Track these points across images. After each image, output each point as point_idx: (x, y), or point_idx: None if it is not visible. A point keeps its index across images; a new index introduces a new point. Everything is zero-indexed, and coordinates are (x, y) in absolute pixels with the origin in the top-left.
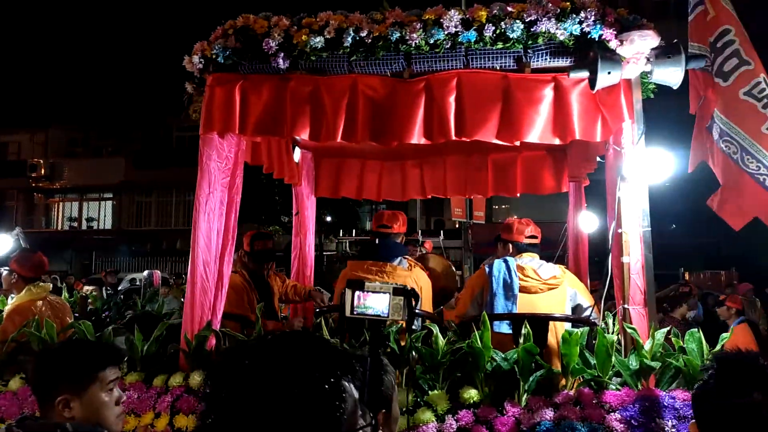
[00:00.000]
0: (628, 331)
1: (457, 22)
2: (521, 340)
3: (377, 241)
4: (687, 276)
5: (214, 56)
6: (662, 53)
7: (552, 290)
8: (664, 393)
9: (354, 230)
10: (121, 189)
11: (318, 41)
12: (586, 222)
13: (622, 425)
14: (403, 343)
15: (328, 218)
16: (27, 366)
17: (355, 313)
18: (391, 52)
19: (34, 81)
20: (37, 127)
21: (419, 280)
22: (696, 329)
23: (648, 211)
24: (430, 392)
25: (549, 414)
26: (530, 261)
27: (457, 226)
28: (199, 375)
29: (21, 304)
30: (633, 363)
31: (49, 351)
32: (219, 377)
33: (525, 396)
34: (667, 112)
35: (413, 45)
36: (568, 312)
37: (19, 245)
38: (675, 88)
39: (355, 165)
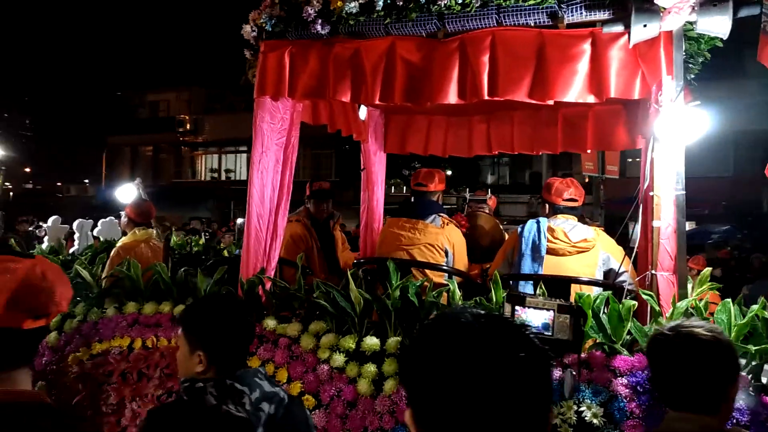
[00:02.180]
0: (644, 297)
1: None
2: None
3: (413, 199)
4: None
5: (262, 24)
6: (708, 1)
7: (582, 253)
8: None
9: (476, 184)
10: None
11: (353, 6)
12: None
13: (627, 390)
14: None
15: (449, 172)
16: (126, 295)
17: None
18: (424, 14)
19: (178, 45)
20: (183, 86)
21: (451, 237)
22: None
23: (683, 174)
24: None
25: (556, 374)
26: (563, 222)
27: (587, 180)
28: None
29: (126, 244)
30: (648, 330)
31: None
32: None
33: None
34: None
35: (443, 5)
36: (599, 276)
37: (139, 194)
38: (724, 38)
39: (422, 121)
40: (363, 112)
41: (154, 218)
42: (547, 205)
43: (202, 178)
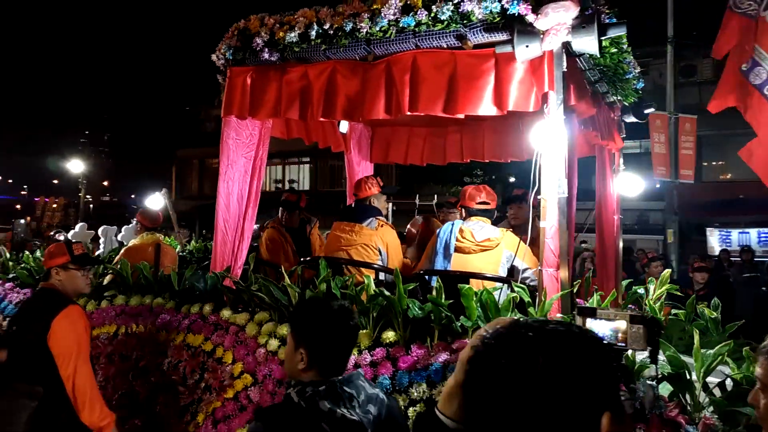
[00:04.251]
0: (516, 290)
1: (396, 10)
2: (434, 294)
3: (353, 204)
4: None
5: (224, 53)
6: (578, 24)
7: (485, 251)
8: None
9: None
10: (317, 153)
11: (293, 36)
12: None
13: None
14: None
15: (512, 179)
16: (119, 289)
17: None
18: (354, 40)
19: None
20: None
21: (384, 238)
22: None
23: (565, 178)
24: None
25: (443, 357)
26: (474, 224)
27: (658, 186)
28: (209, 306)
29: (133, 246)
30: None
31: None
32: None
33: (435, 341)
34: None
35: (364, 33)
36: (502, 272)
37: (165, 203)
38: (597, 55)
39: (403, 132)
40: (344, 126)
41: (160, 224)
42: (463, 209)
43: (267, 189)
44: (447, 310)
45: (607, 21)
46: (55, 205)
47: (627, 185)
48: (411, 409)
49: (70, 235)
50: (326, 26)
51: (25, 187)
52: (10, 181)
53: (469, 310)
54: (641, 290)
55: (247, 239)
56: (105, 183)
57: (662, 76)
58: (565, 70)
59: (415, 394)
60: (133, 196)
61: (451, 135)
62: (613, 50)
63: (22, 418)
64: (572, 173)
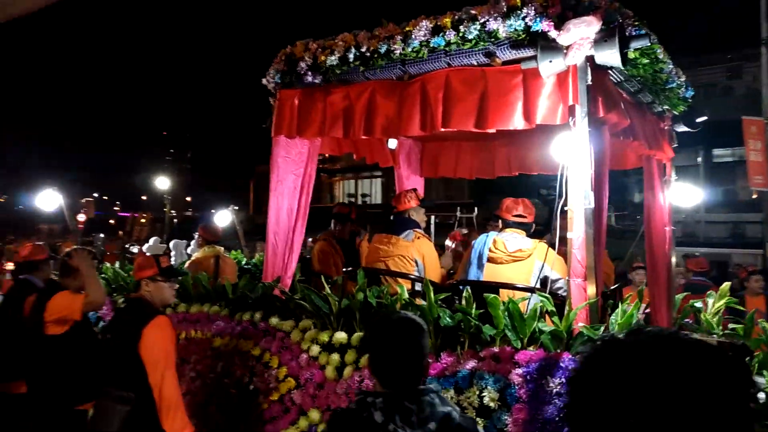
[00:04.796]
0: (541, 299)
1: (427, 31)
2: (463, 303)
3: (392, 217)
4: None
5: (273, 77)
6: (600, 38)
7: (517, 262)
8: (570, 356)
9: (624, 202)
10: (389, 168)
11: (333, 59)
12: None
13: (520, 379)
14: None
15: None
16: (181, 298)
17: None
18: (390, 61)
19: None
20: None
21: (421, 249)
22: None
23: (590, 190)
24: None
25: (471, 364)
26: (508, 235)
27: (755, 196)
28: (259, 314)
29: (195, 258)
30: (545, 329)
31: None
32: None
33: (464, 349)
34: None
35: (398, 53)
36: (534, 282)
37: (232, 219)
38: (621, 67)
39: (452, 147)
40: (393, 142)
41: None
42: (500, 221)
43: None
44: (475, 320)
45: (634, 33)
46: (143, 220)
47: (681, 196)
48: None
49: (144, 248)
50: (363, 49)
51: (117, 203)
52: (105, 197)
53: (496, 320)
54: (698, 304)
55: (296, 251)
56: (188, 198)
57: (756, 80)
58: (590, 83)
59: None
60: (213, 210)
61: (499, 148)
62: (645, 61)
63: (116, 421)
64: (602, 184)
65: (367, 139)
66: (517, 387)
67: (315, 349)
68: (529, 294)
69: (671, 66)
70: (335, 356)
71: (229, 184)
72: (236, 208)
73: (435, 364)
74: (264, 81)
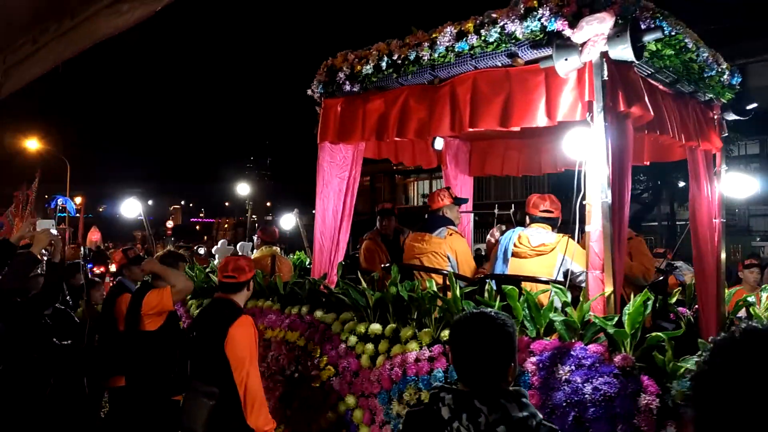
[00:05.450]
0: (554, 290)
1: (451, 37)
2: (485, 296)
3: (426, 216)
4: None
5: (316, 88)
6: (613, 34)
7: (540, 256)
8: (582, 345)
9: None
10: None
11: (369, 68)
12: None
13: (533, 367)
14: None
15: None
16: None
17: None
18: (420, 67)
19: None
20: None
21: (453, 245)
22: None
23: (607, 184)
24: (418, 331)
25: None
26: (533, 230)
27: None
28: (306, 308)
29: (255, 258)
30: (558, 318)
31: None
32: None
33: None
34: None
35: (426, 59)
36: (557, 276)
37: (296, 222)
38: (636, 61)
39: (499, 145)
40: (439, 143)
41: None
42: (527, 217)
43: (415, 204)
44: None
45: (651, 25)
46: (226, 225)
47: (734, 187)
48: None
49: (213, 250)
50: (395, 56)
51: (202, 209)
52: (191, 205)
53: (515, 311)
54: (751, 298)
55: (342, 250)
56: (268, 203)
57: None
58: (606, 78)
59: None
60: (270, 215)
61: (544, 145)
62: (670, 52)
63: (202, 416)
64: (623, 179)
65: (408, 142)
66: (530, 375)
67: (352, 339)
68: (550, 287)
69: (706, 54)
70: (370, 346)
71: (305, 189)
72: (297, 210)
73: None
74: (309, 92)
